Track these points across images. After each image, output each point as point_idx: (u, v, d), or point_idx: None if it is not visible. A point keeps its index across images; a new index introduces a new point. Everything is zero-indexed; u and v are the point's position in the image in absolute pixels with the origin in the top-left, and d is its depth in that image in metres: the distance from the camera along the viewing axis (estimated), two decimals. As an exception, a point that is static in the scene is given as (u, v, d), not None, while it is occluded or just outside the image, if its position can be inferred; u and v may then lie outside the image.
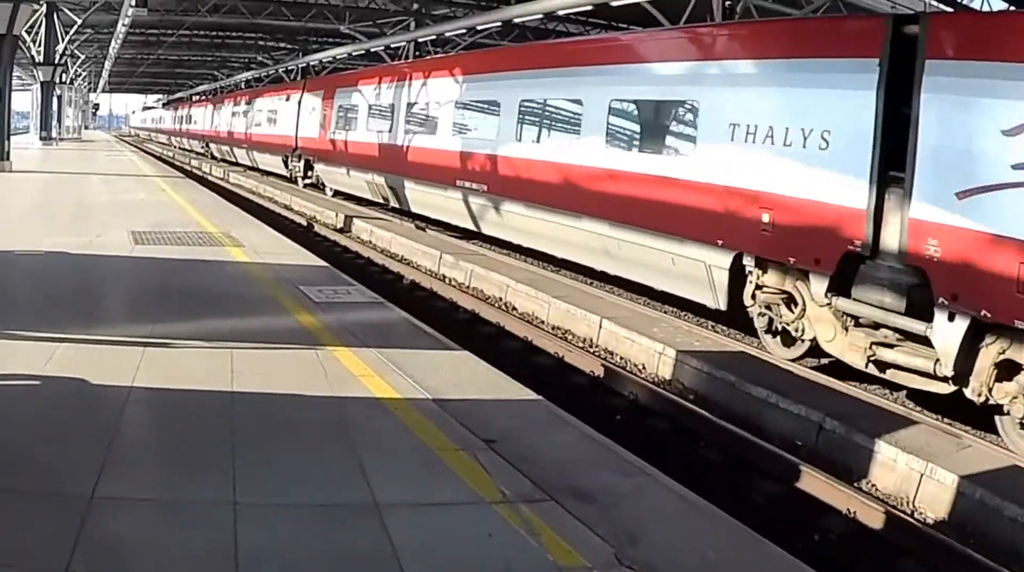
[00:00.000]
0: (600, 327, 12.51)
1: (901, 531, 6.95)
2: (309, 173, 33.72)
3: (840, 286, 9.83)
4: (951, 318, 8.56)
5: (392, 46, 35.45)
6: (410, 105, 23.39)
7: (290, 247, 14.26)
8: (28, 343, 7.31)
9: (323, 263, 12.88)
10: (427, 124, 22.12)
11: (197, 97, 74.71)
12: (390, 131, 24.33)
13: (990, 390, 8.41)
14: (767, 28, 13.16)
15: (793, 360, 10.79)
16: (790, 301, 10.77)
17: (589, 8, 22.57)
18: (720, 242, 11.54)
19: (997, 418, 8.63)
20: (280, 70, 51.64)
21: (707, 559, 4.67)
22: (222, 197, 25.39)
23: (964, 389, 8.73)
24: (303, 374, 7.12)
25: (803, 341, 10.64)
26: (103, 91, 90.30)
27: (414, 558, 4.31)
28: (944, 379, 8.85)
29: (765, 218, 10.68)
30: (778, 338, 11.23)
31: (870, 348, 9.57)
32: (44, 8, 36.22)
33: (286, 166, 36.70)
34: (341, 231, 23.63)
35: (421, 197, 22.58)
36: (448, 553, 4.49)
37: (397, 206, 24.90)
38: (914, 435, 8.22)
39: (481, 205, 18.96)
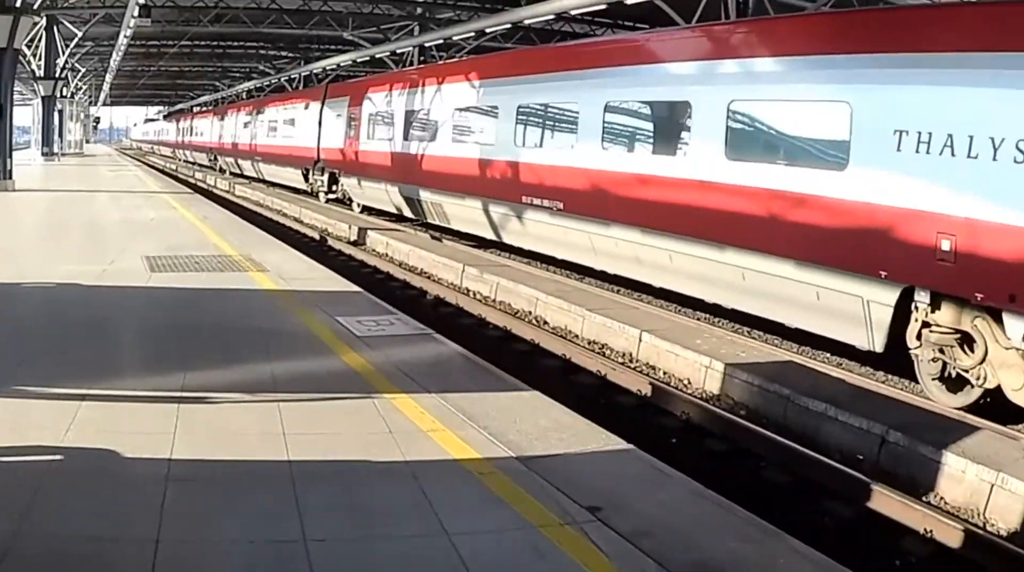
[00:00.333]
0: (640, 341, 11.80)
1: (979, 549, 6.52)
2: (334, 187, 31.02)
3: None
4: None
5: (397, 51, 34.51)
6: (465, 110, 20.64)
7: (317, 270, 13.21)
8: (45, 403, 6.25)
9: (356, 288, 11.83)
10: (486, 133, 19.42)
11: (203, 107, 72.19)
12: (434, 140, 21.63)
13: None
14: (951, 14, 10.37)
15: (960, 408, 9.16)
16: (965, 341, 9.15)
17: (603, 7, 21.64)
18: (884, 274, 9.61)
19: None
20: (283, 79, 50.65)
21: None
22: (231, 212, 24.42)
23: None
24: (366, 433, 6.11)
25: (978, 387, 9.04)
26: (104, 104, 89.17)
27: None
28: None
29: (945, 246, 8.83)
30: (941, 382, 9.51)
31: None
32: (44, 21, 35.27)
33: (306, 180, 33.95)
34: (355, 244, 22.63)
35: (483, 217, 19.33)
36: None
37: (444, 225, 22.30)
38: (981, 443, 7.82)
39: (580, 230, 15.50)
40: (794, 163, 10.98)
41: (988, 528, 6.90)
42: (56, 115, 46.51)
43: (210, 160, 56.71)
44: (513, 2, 26.80)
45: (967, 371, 9.09)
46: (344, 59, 38.56)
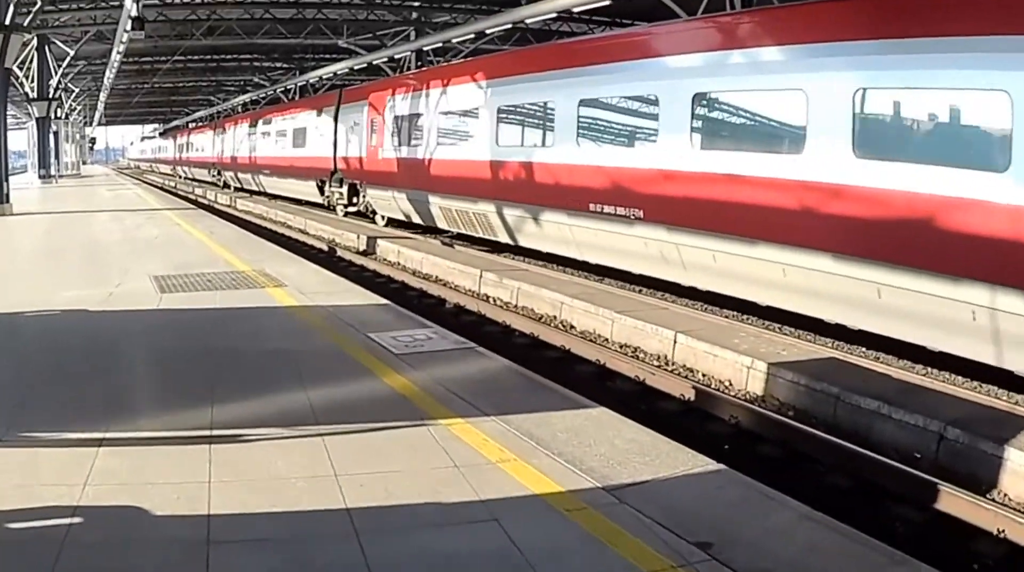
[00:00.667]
0: (675, 342, 11.19)
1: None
2: (355, 199, 28.21)
3: None
4: None
5: (395, 57, 33.67)
6: (517, 109, 18.14)
7: (337, 283, 12.34)
8: (57, 451, 5.40)
9: (381, 300, 11.01)
10: (545, 132, 16.84)
11: (203, 121, 69.43)
12: (489, 143, 18.72)
13: None
14: None
15: None
16: None
17: (607, 3, 20.78)
18: None
19: None
20: (278, 90, 49.83)
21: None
22: (237, 225, 23.62)
23: None
24: (428, 468, 5.29)
25: None
26: (99, 124, 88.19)
27: None
28: None
29: None
30: None
31: None
32: (35, 41, 34.49)
33: (321, 193, 31.21)
34: (364, 254, 21.81)
35: (559, 231, 16.27)
36: None
37: (500, 239, 19.30)
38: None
39: (685, 245, 12.88)
40: (948, 164, 9.13)
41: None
42: (51, 137, 45.63)
43: (213, 176, 54.31)
44: (512, 2, 25.91)
45: None
46: (340, 67, 37.64)
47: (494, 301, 15.53)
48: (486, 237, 19.71)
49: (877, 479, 7.39)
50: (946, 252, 9.12)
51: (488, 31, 26.67)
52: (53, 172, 46.12)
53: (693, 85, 12.42)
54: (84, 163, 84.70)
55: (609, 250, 14.94)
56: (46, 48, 37.85)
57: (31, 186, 40.49)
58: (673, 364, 11.03)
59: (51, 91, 40.65)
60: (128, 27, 22.62)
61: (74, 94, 57.09)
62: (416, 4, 34.72)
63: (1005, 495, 7.04)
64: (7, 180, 23.94)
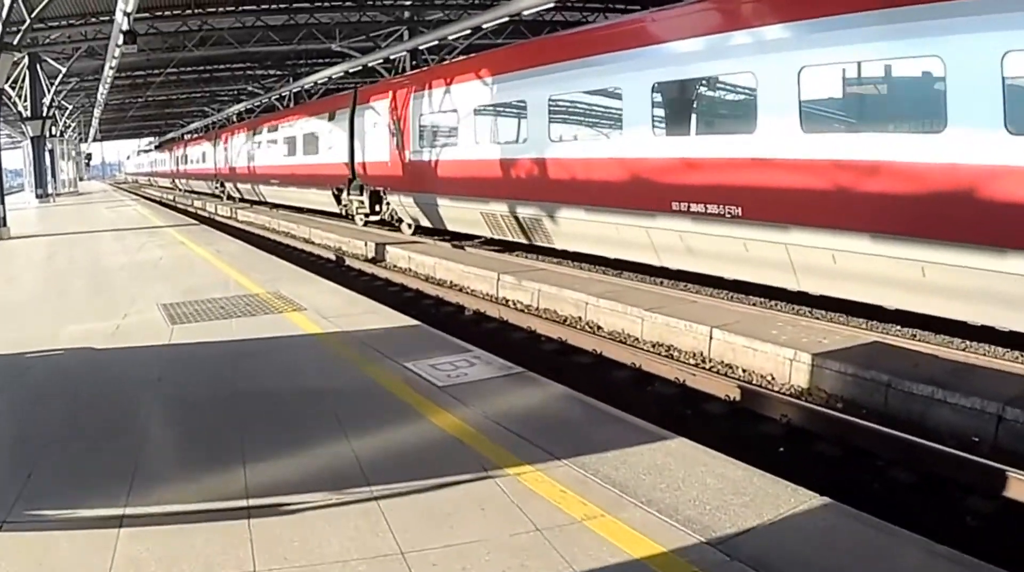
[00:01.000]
0: (711, 338, 10.68)
1: None
2: (377, 207, 25.95)
3: None
4: None
5: (390, 58, 32.82)
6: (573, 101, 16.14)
7: (359, 303, 11.41)
8: (72, 535, 4.57)
9: (411, 321, 10.05)
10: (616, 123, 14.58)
11: (202, 131, 66.99)
12: (538, 138, 16.57)
13: None
14: None
15: None
16: None
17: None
18: None
19: None
20: (273, 98, 48.99)
21: None
22: (239, 239, 22.81)
23: None
24: (507, 536, 4.47)
25: None
26: (94, 140, 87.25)
27: None
28: None
29: None
30: None
31: None
32: (27, 60, 33.74)
33: (338, 201, 29.10)
34: (373, 261, 21.00)
35: (633, 234, 14.39)
36: None
37: (556, 247, 17.48)
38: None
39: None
40: None
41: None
42: (47, 155, 44.81)
43: (214, 188, 52.29)
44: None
45: None
46: (336, 71, 36.75)
47: (514, 304, 14.81)
48: (539, 244, 17.82)
49: (939, 470, 6.97)
50: None
51: (485, 25, 25.85)
52: (50, 191, 45.30)
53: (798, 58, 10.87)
54: (81, 180, 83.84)
55: (696, 254, 13.14)
56: (38, 66, 37.14)
57: (28, 206, 39.59)
58: (710, 361, 10.53)
59: (45, 109, 39.94)
60: (120, 41, 21.90)
61: (68, 111, 56.51)
62: (408, 3, 34.04)
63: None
64: (3, 202, 23.15)
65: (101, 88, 40.45)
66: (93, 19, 31.05)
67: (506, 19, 24.55)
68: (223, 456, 5.64)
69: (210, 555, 4.29)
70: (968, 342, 10.26)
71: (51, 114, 43.24)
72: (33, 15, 24.52)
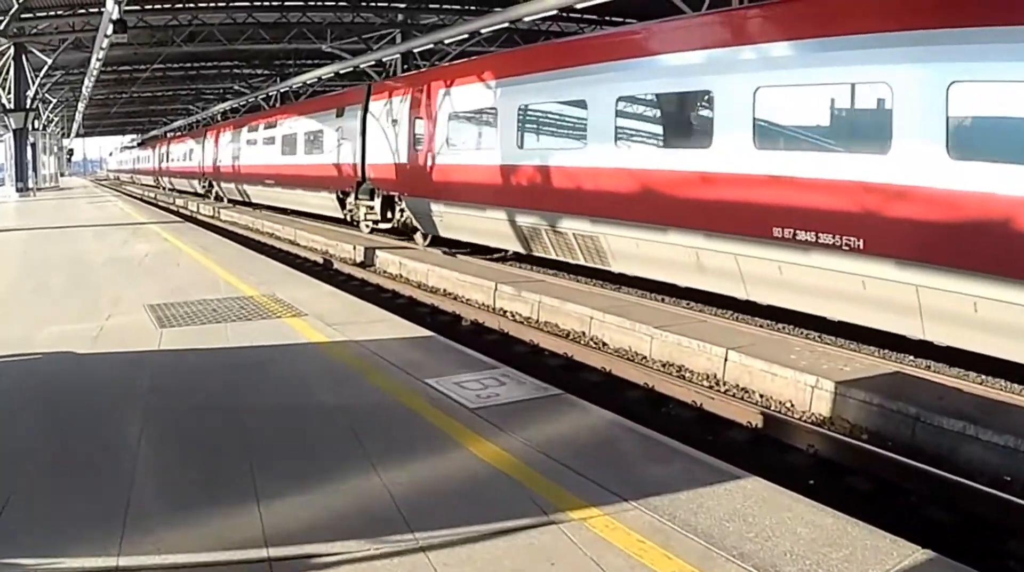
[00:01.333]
0: (726, 360, 10.05)
1: None
2: (389, 214, 23.20)
3: None
4: None
5: (381, 61, 31.97)
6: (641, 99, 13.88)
7: (365, 310, 10.43)
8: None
9: (424, 331, 9.10)
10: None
11: (190, 128, 63.75)
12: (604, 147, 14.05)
13: None
14: None
15: None
16: None
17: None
18: None
19: None
20: (259, 97, 47.98)
21: None
22: (227, 238, 21.82)
23: None
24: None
25: None
26: (77, 135, 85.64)
27: None
28: None
29: None
30: None
31: None
32: (12, 50, 32.69)
33: (342, 206, 26.40)
34: (362, 266, 20.12)
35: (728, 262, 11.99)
36: None
37: (613, 269, 14.88)
38: None
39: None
40: None
41: None
42: (29, 149, 43.56)
43: (203, 187, 48.79)
44: (503, 1, 24.27)
45: None
46: (325, 71, 35.81)
47: (512, 316, 14.00)
48: (593, 265, 15.28)
49: (977, 510, 6.57)
50: None
51: (483, 31, 25.09)
52: (31, 185, 44.09)
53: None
54: (62, 175, 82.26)
55: (797, 290, 11.22)
56: (23, 58, 36.08)
57: (9, 200, 38.30)
58: (724, 384, 9.92)
59: (28, 102, 38.79)
60: (110, 31, 20.97)
61: (52, 105, 55.33)
62: (402, 6, 33.33)
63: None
64: (-18, 195, 22.14)
65: (86, 81, 39.49)
66: (81, 10, 30.26)
67: (505, 25, 23.78)
68: (232, 490, 4.74)
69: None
70: (985, 376, 9.78)
71: (35, 107, 42.12)
72: (21, 1, 23.54)
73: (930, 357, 10.50)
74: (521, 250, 17.30)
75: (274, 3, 33.67)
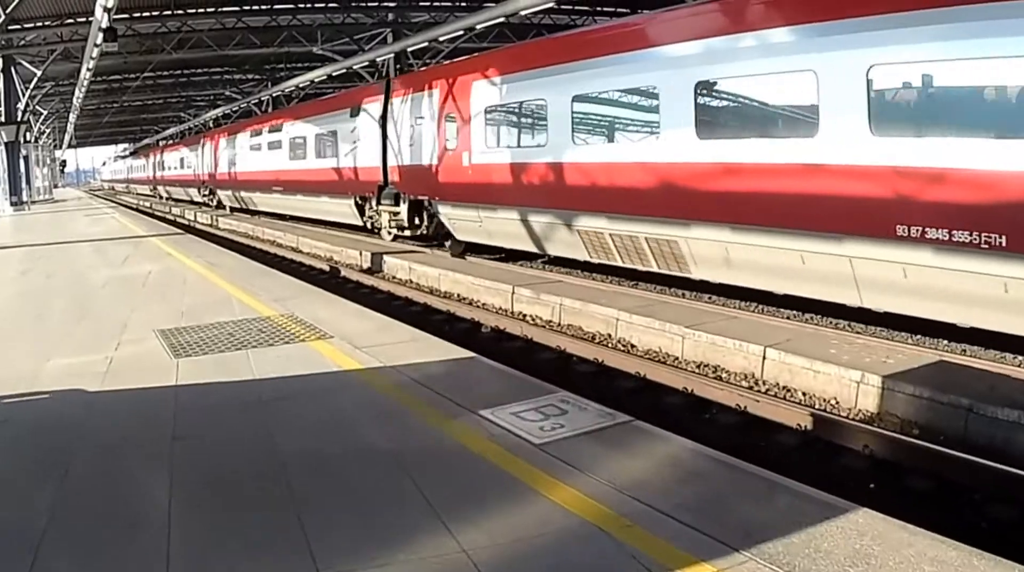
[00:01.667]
0: (764, 358, 9.60)
1: None
2: (417, 221, 21.00)
3: None
4: None
5: (371, 61, 31.13)
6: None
7: (394, 329, 9.46)
8: None
9: (464, 352, 8.20)
10: None
11: (189, 133, 61.12)
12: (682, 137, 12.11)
13: None
14: None
15: None
16: None
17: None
18: None
19: None
20: (251, 102, 47.09)
21: None
22: (228, 248, 21.00)
23: None
24: None
25: None
26: (69, 146, 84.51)
27: None
28: None
29: None
30: None
31: None
32: (1, 62, 31.93)
33: (361, 213, 24.27)
34: (370, 272, 19.36)
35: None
36: None
37: (694, 276, 13.03)
38: None
39: None
40: None
41: None
42: (22, 162, 42.65)
43: (204, 196, 46.42)
44: (496, -4, 23.48)
45: None
46: (318, 74, 34.87)
47: (532, 320, 13.30)
48: (667, 271, 13.54)
49: None
50: None
51: (479, 26, 24.27)
52: (25, 198, 43.19)
53: None
54: (56, 187, 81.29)
55: (925, 296, 9.74)
56: (12, 69, 35.29)
57: (2, 214, 37.40)
58: (764, 383, 9.47)
59: (19, 114, 38.00)
60: (99, 39, 20.18)
61: (43, 116, 54.52)
62: (393, 4, 32.61)
63: None
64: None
65: (77, 92, 38.78)
66: (70, 20, 29.59)
67: (500, 20, 22.93)
68: (280, 555, 3.99)
69: None
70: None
71: (26, 119, 41.31)
72: (8, 11, 22.69)
73: (966, 341, 10.04)
74: (579, 257, 15.43)
75: (263, 7, 32.88)
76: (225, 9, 31.98)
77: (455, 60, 22.01)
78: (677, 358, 10.78)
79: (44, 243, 22.28)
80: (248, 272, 15.07)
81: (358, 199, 24.12)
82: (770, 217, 10.90)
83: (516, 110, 16.50)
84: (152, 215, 43.98)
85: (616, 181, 13.59)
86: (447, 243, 20.33)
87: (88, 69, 29.39)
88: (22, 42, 30.99)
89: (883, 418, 8.13)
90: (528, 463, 5.12)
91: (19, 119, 37.98)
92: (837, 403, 8.67)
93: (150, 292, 12.77)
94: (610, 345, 11.65)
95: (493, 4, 22.83)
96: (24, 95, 37.75)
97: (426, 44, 27.41)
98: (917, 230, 9.19)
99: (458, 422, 5.91)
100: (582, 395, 6.65)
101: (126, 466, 5.38)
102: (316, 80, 35.87)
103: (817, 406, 8.62)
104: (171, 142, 65.05)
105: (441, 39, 27.03)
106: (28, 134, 45.11)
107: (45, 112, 54.51)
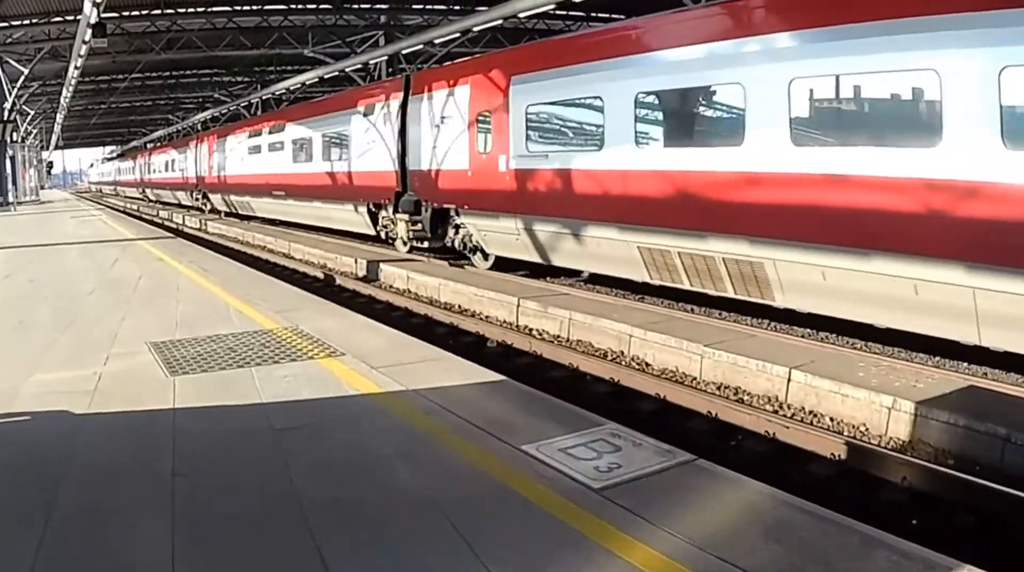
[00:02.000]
0: (789, 380, 9.02)
1: None
2: (440, 231, 19.15)
3: None
4: None
5: (362, 64, 30.31)
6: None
7: (410, 345, 8.52)
8: None
9: (493, 375, 7.25)
10: None
11: (180, 134, 58.91)
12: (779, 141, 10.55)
13: None
14: None
15: None
16: None
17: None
18: None
19: None
20: (241, 105, 46.16)
21: None
22: (220, 253, 20.18)
23: None
24: None
25: None
26: (56, 147, 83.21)
27: None
28: None
29: None
30: None
31: None
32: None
33: (374, 221, 22.41)
34: (366, 280, 18.58)
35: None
36: None
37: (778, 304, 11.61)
38: None
39: None
40: None
41: None
42: (8, 162, 41.70)
43: (195, 199, 44.36)
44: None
45: None
46: (309, 76, 34.00)
47: (539, 334, 12.57)
48: (746, 297, 12.08)
49: None
50: None
51: (475, 28, 23.57)
52: (11, 199, 42.22)
53: None
54: (42, 188, 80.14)
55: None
56: (-1, 68, 34.42)
57: (-12, 215, 36.45)
58: (789, 407, 8.93)
59: (6, 114, 37.10)
60: (88, 36, 19.36)
61: (30, 117, 53.60)
62: (385, 7, 31.89)
63: None
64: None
65: (64, 91, 37.95)
66: (57, 18, 28.69)
67: (498, 22, 22.22)
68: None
69: None
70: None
71: (12, 119, 40.39)
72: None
73: (984, 363, 9.86)
74: (636, 277, 13.81)
75: (254, 7, 32.08)
76: (216, 9, 31.19)
77: (488, 52, 20.40)
78: (695, 378, 10.18)
79: (29, 245, 21.27)
80: (243, 279, 14.20)
81: (371, 206, 22.34)
82: (880, 240, 9.54)
83: (566, 109, 14.75)
84: (140, 218, 42.97)
85: (689, 191, 12.02)
86: (473, 257, 18.83)
87: (76, 67, 28.59)
88: (9, 40, 30.12)
89: (915, 446, 7.66)
90: (591, 513, 4.32)
91: (5, 119, 37.11)
92: (867, 430, 8.16)
93: (141, 299, 11.87)
94: (623, 363, 11.04)
95: (486, 8, 22.07)
96: (11, 94, 36.87)
97: (419, 47, 26.72)
98: None
99: (500, 459, 5.09)
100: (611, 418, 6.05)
101: (120, 508, 4.53)
102: (307, 83, 35.06)
103: (846, 433, 8.10)
104: (160, 144, 63.11)
105: (435, 42, 26.32)
106: (15, 134, 44.23)
107: (32, 112, 53.63)
